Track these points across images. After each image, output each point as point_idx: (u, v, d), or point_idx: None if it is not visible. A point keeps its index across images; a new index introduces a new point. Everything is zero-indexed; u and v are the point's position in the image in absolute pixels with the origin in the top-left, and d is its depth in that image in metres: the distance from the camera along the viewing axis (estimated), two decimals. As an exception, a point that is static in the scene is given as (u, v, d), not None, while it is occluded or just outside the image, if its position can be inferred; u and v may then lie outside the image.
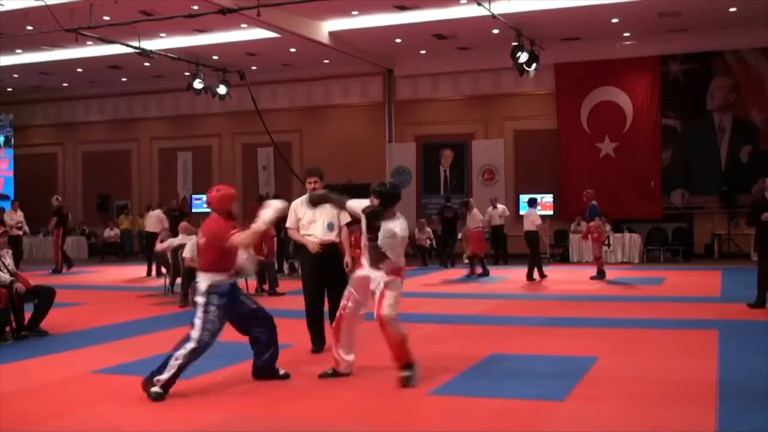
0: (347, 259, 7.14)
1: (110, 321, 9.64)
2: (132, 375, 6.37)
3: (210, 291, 5.72)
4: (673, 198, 19.13)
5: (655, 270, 15.95)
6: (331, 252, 7.09)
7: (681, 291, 12.25)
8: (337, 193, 6.46)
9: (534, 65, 16.37)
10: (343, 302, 6.03)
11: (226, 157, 23.84)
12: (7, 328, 8.11)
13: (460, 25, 17.26)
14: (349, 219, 7.19)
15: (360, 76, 21.80)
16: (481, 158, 20.71)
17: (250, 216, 7.90)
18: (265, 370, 6.06)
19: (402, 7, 16.33)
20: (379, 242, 5.77)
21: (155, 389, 5.52)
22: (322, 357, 6.85)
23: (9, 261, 8.57)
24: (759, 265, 9.73)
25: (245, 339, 6.09)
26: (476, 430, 4.83)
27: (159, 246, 12.77)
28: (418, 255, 17.84)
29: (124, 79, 23.20)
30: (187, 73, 19.06)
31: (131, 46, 16.90)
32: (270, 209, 5.81)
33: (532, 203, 15.09)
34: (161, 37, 18.08)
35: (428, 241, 18.14)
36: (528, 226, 14.27)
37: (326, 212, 7.13)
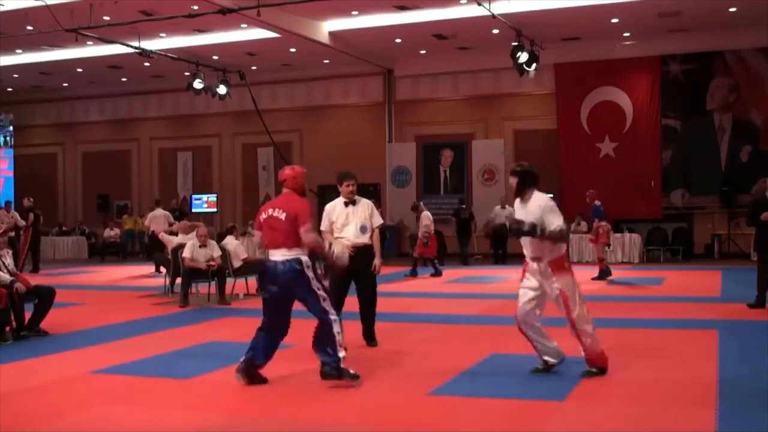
0: (377, 261, 7.25)
1: (110, 321, 9.64)
2: (132, 375, 6.39)
3: (312, 260, 5.83)
4: (673, 198, 19.13)
5: (655, 270, 15.95)
6: (362, 254, 7.16)
7: (681, 291, 12.24)
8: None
9: (534, 65, 16.37)
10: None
11: (226, 157, 23.84)
12: (7, 328, 8.12)
13: (460, 25, 17.26)
14: (381, 221, 7.37)
15: (360, 76, 21.80)
16: (481, 158, 20.71)
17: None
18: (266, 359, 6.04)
19: (402, 7, 16.34)
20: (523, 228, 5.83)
21: (352, 371, 5.68)
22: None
23: (9, 261, 8.57)
24: (759, 265, 9.74)
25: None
26: (476, 430, 4.84)
27: (164, 237, 13.01)
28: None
29: (124, 79, 23.21)
30: (187, 73, 19.06)
31: (131, 46, 16.90)
32: (342, 250, 6.39)
33: None
34: (161, 37, 18.08)
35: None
36: None
37: (359, 215, 7.22)
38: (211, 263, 11.15)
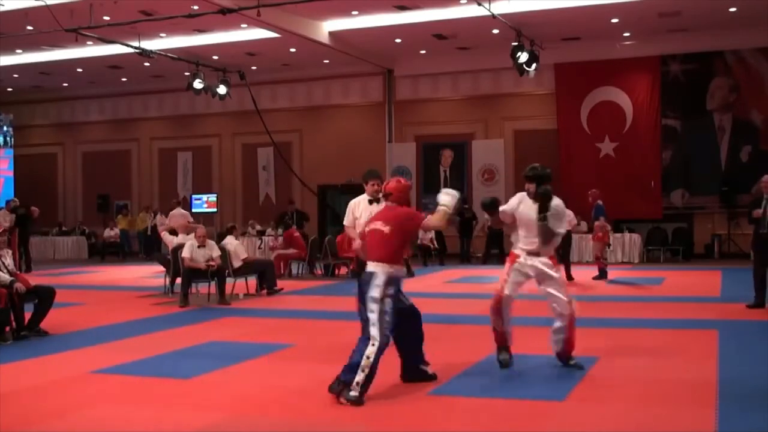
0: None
1: (110, 321, 9.63)
2: (132, 375, 6.39)
3: (389, 282, 5.60)
4: (673, 198, 19.13)
5: (655, 270, 15.95)
6: None
7: (681, 291, 12.24)
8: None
9: (534, 65, 16.37)
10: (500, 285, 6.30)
11: (226, 157, 23.83)
12: (7, 328, 8.11)
13: (460, 25, 17.26)
14: None
15: (360, 76, 21.80)
16: (481, 158, 20.71)
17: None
18: (414, 370, 5.92)
19: (402, 7, 16.33)
20: (548, 223, 6.09)
21: (354, 393, 5.32)
22: (322, 357, 6.86)
23: (9, 261, 8.57)
24: (754, 265, 9.76)
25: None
26: (476, 430, 4.84)
27: (166, 237, 13.03)
28: (419, 255, 17.83)
29: (124, 79, 23.21)
30: (187, 73, 19.06)
31: (131, 46, 16.90)
32: (450, 196, 5.75)
33: None
34: (161, 37, 18.08)
35: (431, 242, 18.13)
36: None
37: None
38: (211, 263, 11.15)
